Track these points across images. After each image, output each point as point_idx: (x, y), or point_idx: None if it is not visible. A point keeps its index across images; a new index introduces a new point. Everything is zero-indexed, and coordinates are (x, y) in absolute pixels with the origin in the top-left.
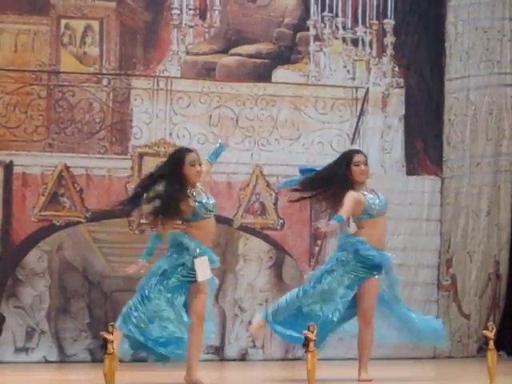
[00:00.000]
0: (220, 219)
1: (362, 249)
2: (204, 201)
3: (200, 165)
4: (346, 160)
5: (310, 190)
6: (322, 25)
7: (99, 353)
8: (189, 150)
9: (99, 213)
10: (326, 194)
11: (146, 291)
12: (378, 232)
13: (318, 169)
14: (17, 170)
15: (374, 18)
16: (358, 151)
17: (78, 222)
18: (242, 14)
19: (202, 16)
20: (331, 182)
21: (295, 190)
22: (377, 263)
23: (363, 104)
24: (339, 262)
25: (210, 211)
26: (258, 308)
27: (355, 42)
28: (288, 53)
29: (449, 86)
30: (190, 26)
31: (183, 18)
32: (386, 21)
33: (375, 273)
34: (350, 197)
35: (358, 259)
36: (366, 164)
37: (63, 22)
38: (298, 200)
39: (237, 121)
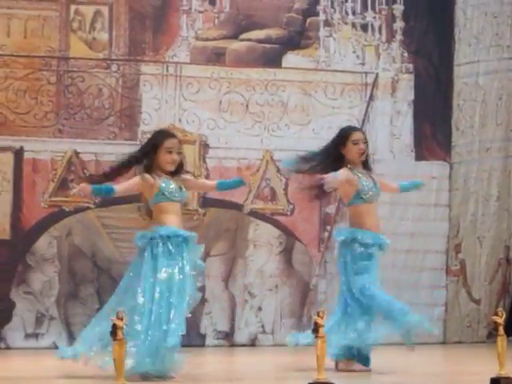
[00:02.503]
0: (230, 205)
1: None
2: (172, 185)
3: (179, 153)
4: (342, 137)
5: (306, 171)
6: (332, 10)
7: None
8: (170, 135)
9: (108, 198)
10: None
11: None
12: (372, 219)
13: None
14: (27, 155)
15: (384, 3)
16: (356, 128)
17: (88, 208)
18: None
19: (212, 1)
20: (326, 163)
21: (296, 172)
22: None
23: (372, 89)
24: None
25: (175, 196)
26: (267, 293)
27: (364, 28)
28: (298, 38)
29: (458, 71)
30: (200, 12)
31: (192, 3)
32: (395, 6)
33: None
34: (343, 172)
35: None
36: (365, 142)
37: (73, 7)
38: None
39: (247, 106)
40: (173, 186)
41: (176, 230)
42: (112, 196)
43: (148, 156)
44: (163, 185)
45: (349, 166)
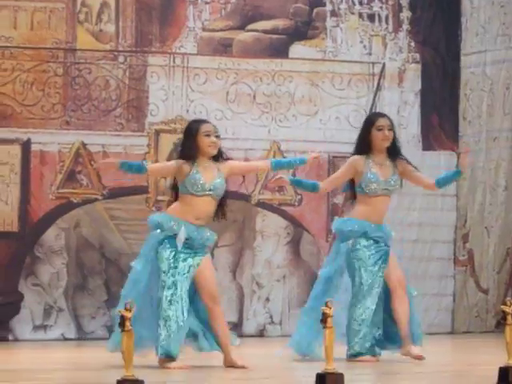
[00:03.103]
0: (237, 196)
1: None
2: (200, 179)
3: (217, 136)
4: (368, 124)
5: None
6: (339, 0)
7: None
8: (203, 121)
9: (116, 190)
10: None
11: None
12: (375, 210)
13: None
14: (34, 147)
15: None
16: (382, 114)
17: (95, 200)
18: None
19: None
20: (356, 150)
21: None
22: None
23: (380, 79)
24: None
25: (203, 191)
26: (275, 284)
27: (371, 18)
28: (305, 28)
29: (465, 61)
30: (206, 2)
31: None
32: None
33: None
34: (347, 163)
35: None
36: (390, 129)
37: None
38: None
39: (254, 97)
40: (202, 179)
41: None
42: (144, 173)
43: (188, 145)
44: (191, 177)
45: (373, 153)
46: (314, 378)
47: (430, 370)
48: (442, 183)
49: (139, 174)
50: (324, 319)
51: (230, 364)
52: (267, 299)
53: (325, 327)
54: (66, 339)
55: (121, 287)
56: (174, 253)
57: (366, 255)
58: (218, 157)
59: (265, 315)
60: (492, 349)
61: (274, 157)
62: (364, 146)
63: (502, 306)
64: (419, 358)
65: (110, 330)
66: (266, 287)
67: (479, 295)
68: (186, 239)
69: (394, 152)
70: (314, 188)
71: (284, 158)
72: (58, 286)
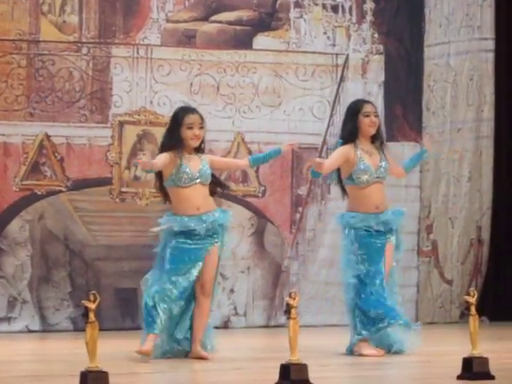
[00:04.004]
0: None
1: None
2: (187, 171)
3: (201, 128)
4: (353, 110)
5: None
6: None
7: (81, 321)
8: (189, 111)
9: (80, 181)
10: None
11: None
12: (371, 199)
13: None
14: None
15: None
16: (366, 101)
17: (59, 191)
18: None
19: None
20: (342, 137)
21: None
22: (382, 229)
23: (343, 70)
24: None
25: (190, 181)
26: (239, 275)
27: (335, 9)
28: (268, 19)
29: (428, 52)
30: None
31: None
32: None
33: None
34: (339, 150)
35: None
36: (376, 115)
37: None
38: None
39: (218, 88)
40: (188, 169)
41: (187, 222)
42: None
43: (172, 135)
44: (181, 169)
45: (360, 141)
46: (278, 369)
47: (395, 360)
48: (409, 167)
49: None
50: (288, 310)
51: (195, 355)
52: (231, 291)
53: (289, 318)
54: (30, 331)
55: (85, 279)
56: (180, 246)
57: (366, 248)
58: (199, 150)
59: (229, 307)
60: (456, 339)
61: (237, 148)
62: (351, 133)
63: (465, 297)
64: None
65: (74, 321)
66: (231, 279)
67: (443, 286)
68: (192, 231)
69: (378, 138)
70: (318, 174)
71: (260, 152)
72: (22, 278)
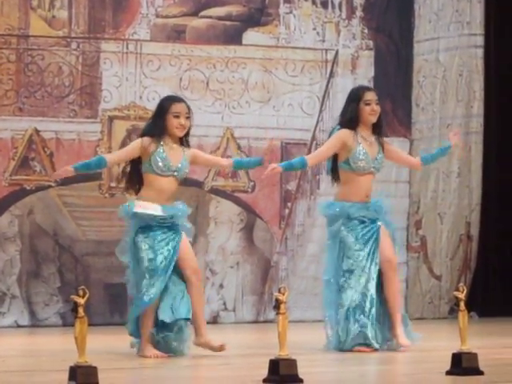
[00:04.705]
0: (191, 182)
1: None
2: (166, 159)
3: (187, 118)
4: (354, 98)
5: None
6: None
7: (70, 317)
8: (176, 100)
9: (69, 177)
10: None
11: None
12: (360, 188)
13: None
14: None
15: None
16: (368, 88)
17: (49, 186)
18: None
19: None
20: (341, 124)
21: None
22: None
23: (333, 66)
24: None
25: (168, 171)
26: (228, 270)
27: (325, 4)
28: (258, 15)
29: (418, 48)
30: None
31: None
32: None
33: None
34: (335, 135)
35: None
36: (377, 104)
37: None
38: None
39: (207, 83)
40: (167, 158)
41: (151, 212)
42: (106, 167)
43: (156, 122)
44: (156, 155)
45: (360, 128)
46: (267, 364)
47: (384, 356)
48: (429, 160)
49: (101, 169)
50: (277, 305)
51: (203, 344)
52: (221, 286)
53: (278, 313)
54: (19, 326)
55: (74, 274)
56: (150, 241)
57: (351, 240)
58: (184, 141)
59: (218, 302)
60: (445, 335)
61: (227, 143)
62: (352, 120)
63: (454, 293)
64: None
65: (63, 316)
66: (220, 274)
67: (432, 281)
68: (161, 219)
69: (378, 127)
70: (302, 165)
71: (245, 157)
72: (11, 273)
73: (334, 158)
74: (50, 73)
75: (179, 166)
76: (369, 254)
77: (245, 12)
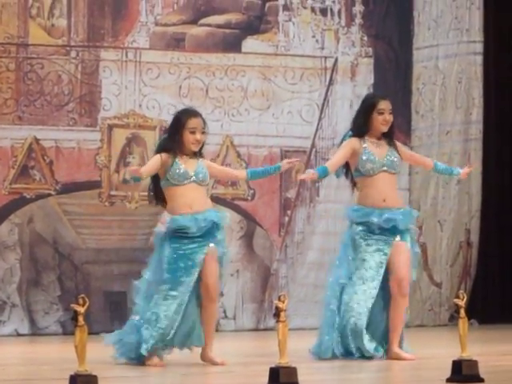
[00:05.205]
0: None
1: (356, 217)
2: (181, 168)
3: (203, 133)
4: (368, 106)
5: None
6: None
7: (70, 325)
8: (192, 115)
9: (69, 185)
10: None
11: None
12: (378, 190)
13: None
14: None
15: None
16: (382, 97)
17: (49, 195)
18: None
19: None
20: (353, 131)
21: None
22: (385, 226)
23: (332, 73)
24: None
25: (185, 179)
26: (228, 278)
27: (324, 12)
28: (257, 23)
29: (417, 55)
30: None
31: None
32: None
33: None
34: (344, 144)
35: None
36: (391, 113)
37: None
38: None
39: (207, 91)
40: (183, 168)
41: (185, 221)
42: (141, 180)
43: (172, 138)
44: (172, 169)
45: (369, 136)
46: (267, 373)
47: (384, 363)
48: (439, 169)
49: (139, 182)
50: (277, 313)
51: (208, 360)
52: (221, 294)
53: (278, 321)
54: (19, 335)
55: (74, 283)
56: (175, 251)
57: (361, 246)
58: (198, 154)
59: (218, 310)
60: (445, 342)
61: (226, 151)
62: (362, 128)
63: (455, 300)
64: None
65: (63, 325)
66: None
67: (432, 289)
68: (183, 229)
69: (388, 135)
70: (326, 174)
71: (261, 167)
72: (11, 281)
73: (348, 167)
74: (49, 81)
75: (195, 170)
76: (374, 265)
77: (244, 20)
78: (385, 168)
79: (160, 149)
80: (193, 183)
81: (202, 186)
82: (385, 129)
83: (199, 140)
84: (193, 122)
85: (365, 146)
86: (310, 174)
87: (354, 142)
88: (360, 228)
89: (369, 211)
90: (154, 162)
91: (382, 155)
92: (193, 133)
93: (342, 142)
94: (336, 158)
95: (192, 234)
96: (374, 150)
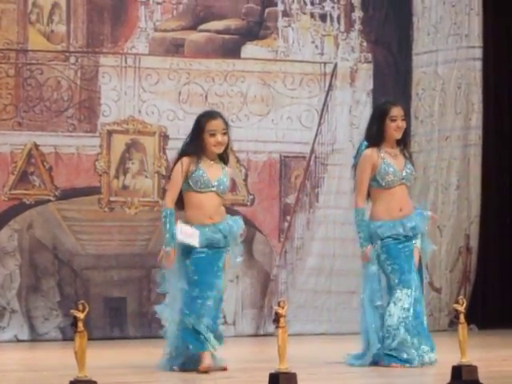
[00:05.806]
0: None
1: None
2: (204, 175)
3: (224, 134)
4: (380, 113)
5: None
6: (290, 0)
7: (70, 331)
8: (211, 117)
9: (69, 191)
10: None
11: None
12: (395, 202)
13: None
14: None
15: None
16: (395, 103)
17: (48, 201)
18: None
19: None
20: (366, 139)
21: None
22: (410, 234)
23: (331, 79)
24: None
25: (206, 187)
26: (228, 284)
27: (323, 17)
28: (257, 28)
29: (416, 61)
30: (158, 3)
31: None
32: None
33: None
34: (362, 159)
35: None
36: (403, 120)
37: (30, 0)
38: None
39: (206, 97)
40: (205, 175)
41: (212, 234)
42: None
43: (193, 141)
44: (195, 174)
45: (383, 144)
46: (267, 378)
47: (383, 369)
48: None
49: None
50: (276, 319)
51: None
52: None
53: (277, 327)
54: (19, 341)
55: (74, 288)
56: (199, 261)
57: (383, 259)
58: (224, 156)
59: None
60: (445, 347)
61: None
62: (377, 136)
63: (454, 305)
64: None
65: (63, 330)
66: None
67: (432, 294)
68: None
69: (402, 142)
70: (366, 222)
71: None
72: (10, 287)
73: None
74: (48, 87)
75: (218, 180)
76: (405, 268)
77: (243, 26)
78: (403, 180)
79: (182, 154)
80: (213, 193)
81: (220, 196)
82: (398, 135)
83: (221, 142)
84: (212, 124)
85: (382, 155)
86: (367, 252)
87: (370, 155)
88: (390, 240)
89: (391, 224)
90: (176, 176)
91: (401, 167)
92: (213, 135)
93: (357, 152)
94: (360, 185)
95: (217, 245)
96: (392, 161)
